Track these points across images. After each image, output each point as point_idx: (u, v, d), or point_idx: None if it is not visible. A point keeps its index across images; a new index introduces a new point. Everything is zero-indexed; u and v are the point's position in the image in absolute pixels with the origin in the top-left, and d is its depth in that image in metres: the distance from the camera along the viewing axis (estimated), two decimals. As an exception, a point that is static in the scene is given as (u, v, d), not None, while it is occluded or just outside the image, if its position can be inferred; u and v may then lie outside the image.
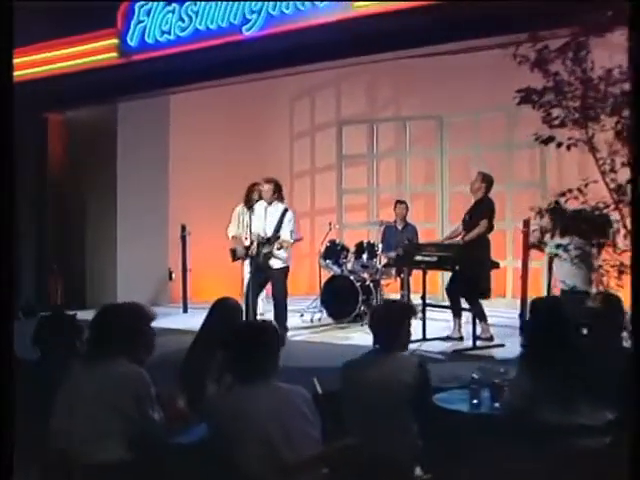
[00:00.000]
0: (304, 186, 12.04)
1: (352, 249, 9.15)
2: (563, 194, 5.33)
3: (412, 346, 6.94)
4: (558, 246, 5.93)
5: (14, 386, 2.75)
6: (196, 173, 10.72)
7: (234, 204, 9.49)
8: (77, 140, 10.74)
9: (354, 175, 11.85)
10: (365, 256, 8.87)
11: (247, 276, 8.34)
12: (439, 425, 3.96)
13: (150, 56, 8.09)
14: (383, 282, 9.10)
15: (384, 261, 9.08)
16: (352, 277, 8.72)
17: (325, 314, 8.75)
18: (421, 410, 3.79)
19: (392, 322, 3.86)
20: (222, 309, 4.29)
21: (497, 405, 3.91)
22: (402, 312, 3.95)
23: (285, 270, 7.77)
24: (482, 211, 7.42)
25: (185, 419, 3.51)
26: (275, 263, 7.67)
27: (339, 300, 8.61)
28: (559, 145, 5.35)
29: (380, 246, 8.97)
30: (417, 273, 9.01)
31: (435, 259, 7.27)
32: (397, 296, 9.25)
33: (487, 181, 7.59)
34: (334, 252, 8.98)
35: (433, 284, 10.20)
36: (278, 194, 7.71)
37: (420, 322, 7.47)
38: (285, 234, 7.59)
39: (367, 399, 3.72)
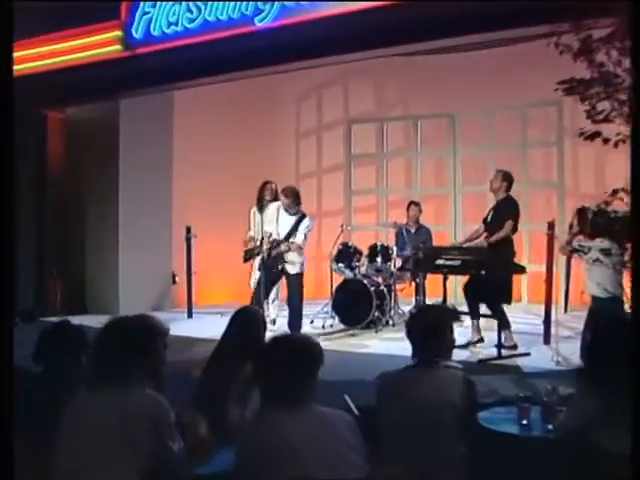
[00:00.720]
0: (311, 187, 11.73)
1: (365, 252, 8.82)
2: (615, 192, 4.83)
3: None
4: (603, 250, 5.51)
5: (14, 397, 2.55)
6: (200, 174, 10.52)
7: (239, 205, 9.34)
8: (77, 139, 10.38)
9: (363, 175, 11.62)
10: (379, 259, 8.58)
11: (256, 275, 8.13)
12: (487, 448, 3.53)
13: (156, 49, 7.62)
14: (398, 287, 8.87)
15: (398, 265, 8.82)
16: (365, 281, 8.35)
17: (336, 320, 8.41)
18: (468, 431, 3.37)
19: (434, 330, 3.44)
20: (245, 320, 3.88)
21: (550, 427, 3.49)
22: (444, 318, 3.53)
23: (301, 276, 7.55)
24: (506, 212, 7.10)
25: (207, 447, 3.07)
26: (291, 269, 7.46)
27: (352, 306, 8.27)
28: (606, 141, 4.90)
29: (395, 249, 8.67)
30: (431, 277, 8.82)
31: (458, 263, 6.91)
32: (412, 301, 8.98)
33: (507, 179, 7.29)
34: (346, 255, 8.61)
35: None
36: (297, 202, 7.61)
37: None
38: (298, 238, 7.42)
39: (408, 419, 3.32)
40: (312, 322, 8.55)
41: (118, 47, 8.11)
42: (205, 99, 10.27)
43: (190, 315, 9.56)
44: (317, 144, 12.13)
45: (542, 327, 7.43)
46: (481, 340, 7.29)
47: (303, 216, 7.52)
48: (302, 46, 7.03)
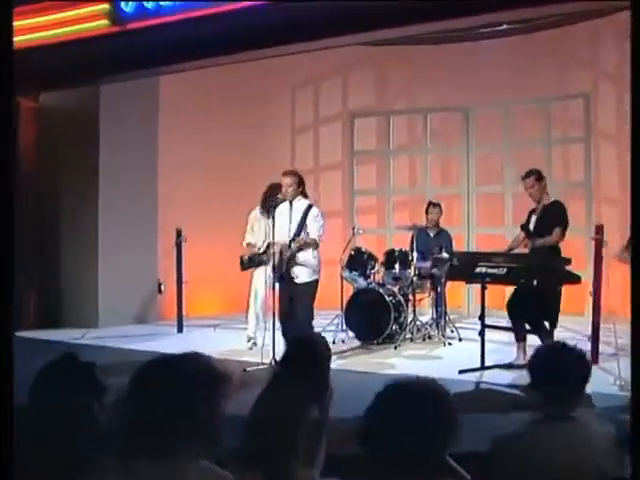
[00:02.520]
0: (308, 186, 10.69)
1: (380, 258, 8.25)
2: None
3: (469, 377, 6.18)
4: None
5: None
6: (189, 171, 10.03)
7: (231, 206, 9.31)
8: (52, 131, 9.53)
9: (365, 174, 11.07)
10: (397, 266, 7.97)
11: (259, 290, 7.68)
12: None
13: (150, 24, 6.63)
14: (417, 297, 8.25)
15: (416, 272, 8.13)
16: (382, 291, 7.80)
17: (347, 334, 7.90)
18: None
19: (571, 379, 2.71)
20: (307, 352, 2.99)
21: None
22: (583, 367, 2.78)
23: (313, 285, 6.61)
24: (555, 217, 6.49)
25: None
26: (300, 274, 6.54)
27: (368, 318, 7.72)
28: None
29: (415, 255, 7.98)
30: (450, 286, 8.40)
31: (504, 271, 6.17)
32: (429, 312, 8.50)
33: (540, 177, 6.68)
34: (360, 262, 8.01)
35: (456, 297, 9.62)
36: (302, 188, 6.73)
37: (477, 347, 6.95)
38: (311, 232, 6.56)
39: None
40: (320, 336, 7.68)
41: (105, 22, 7.05)
42: (193, 90, 9.78)
43: (180, 329, 8.90)
44: (314, 140, 11.56)
45: (588, 343, 6.71)
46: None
47: (310, 206, 6.67)
48: (317, 23, 6.09)
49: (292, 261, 6.49)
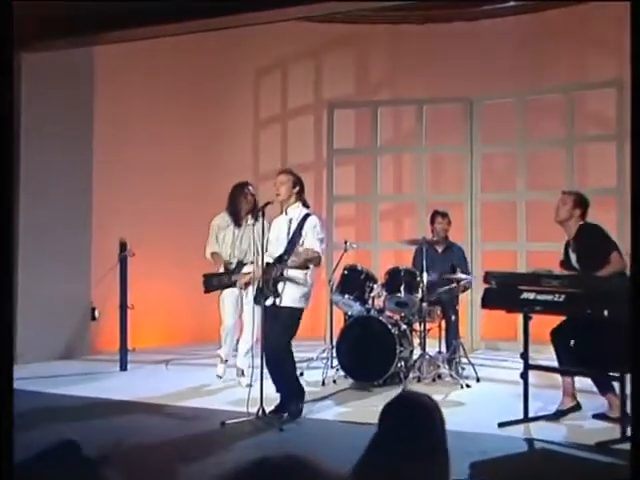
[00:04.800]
0: (273, 192, 10.39)
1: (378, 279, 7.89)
2: None
3: (512, 431, 5.67)
4: None
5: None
6: (130, 174, 9.78)
7: (184, 216, 9.57)
8: None
9: (344, 177, 10.73)
10: (402, 289, 7.51)
11: (229, 317, 7.46)
12: None
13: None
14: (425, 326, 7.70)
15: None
16: (383, 319, 7.42)
17: (339, 373, 7.54)
18: None
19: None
20: (415, 416, 2.42)
21: None
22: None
23: (297, 314, 6.12)
24: (599, 245, 6.08)
25: None
26: (286, 294, 6.06)
27: (367, 353, 7.34)
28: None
29: (425, 276, 7.50)
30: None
31: (562, 298, 5.58)
32: (436, 345, 7.90)
33: (582, 205, 6.31)
34: (355, 283, 7.63)
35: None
36: (299, 192, 6.29)
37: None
38: (312, 244, 6.11)
39: None
40: (302, 374, 7.34)
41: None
42: (135, 70, 9.65)
43: (124, 366, 8.36)
44: (282, 136, 11.33)
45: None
46: (577, 407, 6.13)
47: (307, 215, 6.22)
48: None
49: (279, 279, 6.02)
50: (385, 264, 9.14)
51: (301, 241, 6.06)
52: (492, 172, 9.95)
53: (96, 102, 9.35)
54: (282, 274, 5.98)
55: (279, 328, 6.02)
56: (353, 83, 11.06)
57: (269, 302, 6.00)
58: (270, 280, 5.99)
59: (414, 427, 2.37)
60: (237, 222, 7.42)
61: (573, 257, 6.26)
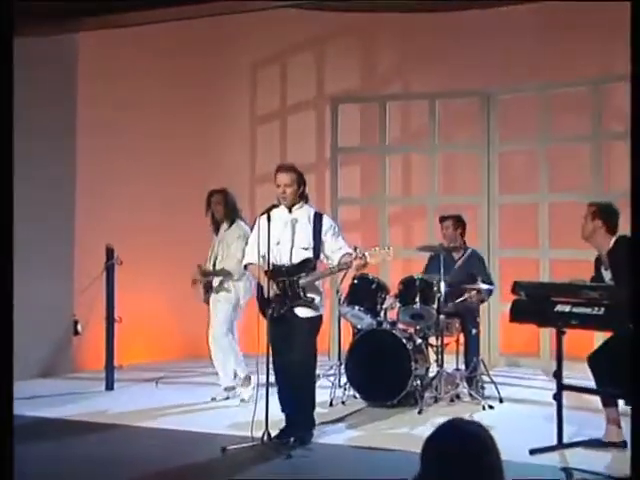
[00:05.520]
0: (272, 195, 10.33)
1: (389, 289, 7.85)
2: None
3: (546, 459, 5.49)
4: None
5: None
6: (118, 175, 9.79)
7: (177, 221, 9.71)
8: None
9: (349, 178, 10.65)
10: (418, 300, 7.41)
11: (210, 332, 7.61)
12: None
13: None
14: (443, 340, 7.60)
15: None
16: (397, 333, 7.33)
17: (349, 391, 7.48)
18: None
19: None
20: (467, 444, 2.34)
21: None
22: None
23: (318, 321, 6.11)
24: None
25: None
26: (305, 308, 6.03)
27: (380, 371, 7.28)
28: None
29: (443, 286, 7.38)
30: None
31: (601, 311, 5.38)
32: (454, 361, 7.74)
33: (604, 215, 6.12)
34: (366, 293, 7.58)
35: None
36: (303, 190, 6.21)
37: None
38: (341, 246, 6.10)
39: None
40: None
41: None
42: (124, 62, 9.67)
43: (110, 385, 8.30)
44: (281, 133, 11.27)
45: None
46: (624, 445, 5.77)
47: (319, 215, 6.17)
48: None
49: (297, 293, 5.94)
50: (394, 273, 9.08)
51: (322, 247, 6.00)
52: (511, 172, 9.88)
53: (80, 101, 9.34)
54: (300, 285, 5.88)
55: (303, 343, 5.89)
56: (359, 76, 11.03)
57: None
58: (288, 289, 5.88)
59: (466, 461, 2.23)
60: (215, 228, 7.71)
61: (606, 274, 6.05)
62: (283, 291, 5.84)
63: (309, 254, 5.93)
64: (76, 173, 9.41)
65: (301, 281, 5.86)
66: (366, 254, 5.79)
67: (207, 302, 7.59)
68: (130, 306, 8.87)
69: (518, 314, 5.89)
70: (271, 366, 5.86)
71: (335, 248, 5.96)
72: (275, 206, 6.02)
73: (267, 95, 11.21)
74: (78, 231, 9.35)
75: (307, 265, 5.92)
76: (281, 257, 5.96)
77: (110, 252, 8.39)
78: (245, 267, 6.35)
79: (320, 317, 6.06)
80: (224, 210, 7.66)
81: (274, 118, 11.24)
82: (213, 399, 7.37)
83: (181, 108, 10.28)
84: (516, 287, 5.95)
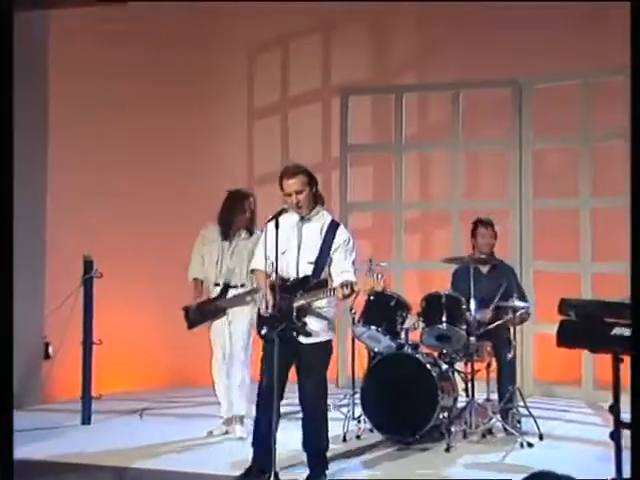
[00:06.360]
0: (272, 197, 10.39)
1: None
2: None
3: None
4: None
5: None
6: (97, 177, 9.81)
7: (163, 228, 9.74)
8: None
9: (360, 180, 10.71)
10: (444, 319, 7.41)
11: (219, 354, 7.60)
12: None
13: None
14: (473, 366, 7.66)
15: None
16: (421, 357, 7.35)
17: (365, 424, 7.47)
18: None
19: None
20: None
21: None
22: None
23: (329, 346, 6.11)
24: None
25: None
26: (314, 327, 6.03)
27: (401, 401, 7.24)
28: None
29: (473, 304, 7.42)
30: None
31: None
32: (484, 389, 7.78)
33: None
34: (384, 312, 7.57)
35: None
36: (315, 192, 6.11)
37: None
38: (346, 269, 5.96)
39: None
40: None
41: None
42: (105, 46, 9.67)
43: (87, 419, 8.21)
44: (282, 129, 11.33)
45: None
46: None
47: (335, 225, 6.09)
48: None
49: (302, 310, 5.90)
50: (410, 288, 9.18)
51: (330, 261, 5.91)
52: (546, 172, 9.90)
53: (55, 97, 9.33)
54: (308, 304, 5.85)
55: (313, 371, 5.92)
56: (371, 63, 11.10)
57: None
58: (291, 310, 5.83)
59: None
60: (226, 235, 7.47)
61: None
62: (278, 309, 5.78)
63: (311, 271, 5.88)
64: (47, 174, 9.40)
65: (295, 303, 5.79)
66: (353, 282, 5.71)
67: (193, 326, 7.54)
68: (110, 327, 8.88)
69: (567, 337, 5.74)
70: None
71: (339, 270, 5.88)
72: (285, 210, 5.93)
73: (266, 85, 11.21)
74: (50, 240, 9.33)
75: (305, 284, 5.84)
76: (288, 269, 5.91)
77: (88, 264, 8.33)
78: (252, 271, 6.33)
79: (327, 343, 5.99)
80: (251, 217, 7.56)
81: (274, 112, 11.28)
82: (210, 433, 7.32)
83: (170, 101, 10.31)
84: (564, 306, 5.82)
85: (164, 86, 10.29)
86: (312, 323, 5.90)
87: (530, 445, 6.99)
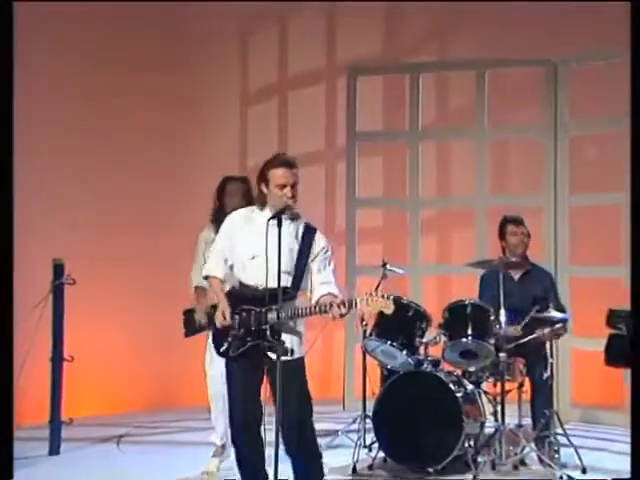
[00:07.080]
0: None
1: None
2: None
3: None
4: None
5: None
6: (72, 175, 9.86)
7: (146, 236, 9.84)
8: None
9: (370, 173, 10.75)
10: (470, 332, 7.34)
11: (218, 382, 7.16)
12: None
13: None
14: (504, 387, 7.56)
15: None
16: (443, 376, 7.28)
17: (377, 452, 7.40)
18: None
19: None
20: None
21: None
22: None
23: (303, 362, 6.04)
24: None
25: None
26: (292, 344, 5.94)
27: (419, 427, 7.18)
28: None
29: (503, 315, 7.34)
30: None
31: None
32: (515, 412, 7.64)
33: None
34: (401, 324, 7.47)
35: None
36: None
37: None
38: (326, 281, 5.90)
39: None
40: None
41: None
42: (86, 35, 9.82)
43: (56, 448, 8.08)
44: (279, 114, 11.41)
45: None
46: None
47: (311, 230, 6.00)
48: None
49: (280, 326, 5.79)
50: (427, 295, 9.19)
51: (308, 270, 5.83)
52: (585, 163, 9.95)
53: (28, 92, 8.86)
54: (268, 322, 5.71)
55: (297, 390, 5.75)
56: (383, 38, 11.15)
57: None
58: (252, 323, 5.73)
59: None
60: (217, 228, 7.38)
61: None
62: (244, 324, 5.68)
63: (289, 282, 5.75)
64: (14, 172, 9.16)
65: (269, 316, 5.65)
66: (357, 300, 5.55)
67: (190, 334, 7.42)
68: (83, 341, 8.91)
69: (617, 355, 5.58)
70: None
71: (320, 281, 5.79)
72: (289, 207, 5.74)
73: (262, 64, 11.25)
74: (16, 247, 9.06)
75: (282, 295, 5.68)
76: (254, 277, 5.74)
77: (59, 268, 8.23)
78: (205, 278, 6.17)
79: (301, 360, 5.89)
80: (243, 204, 7.30)
81: (270, 95, 11.33)
82: (206, 474, 7.19)
83: (155, 85, 10.33)
84: (613, 318, 5.67)
85: (149, 76, 10.28)
86: (287, 339, 5.76)
87: (571, 479, 6.85)
